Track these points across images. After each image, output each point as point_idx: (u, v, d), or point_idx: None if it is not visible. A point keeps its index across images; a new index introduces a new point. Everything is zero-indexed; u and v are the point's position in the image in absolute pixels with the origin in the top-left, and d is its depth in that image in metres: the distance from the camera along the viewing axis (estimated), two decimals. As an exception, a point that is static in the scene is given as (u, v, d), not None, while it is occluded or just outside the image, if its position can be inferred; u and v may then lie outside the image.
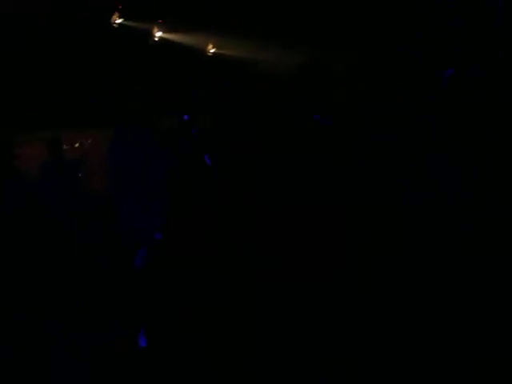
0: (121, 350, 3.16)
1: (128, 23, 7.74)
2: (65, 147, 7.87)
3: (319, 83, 5.45)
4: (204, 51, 8.53)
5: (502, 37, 5.27)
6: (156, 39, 8.15)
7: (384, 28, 6.72)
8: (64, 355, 3.12)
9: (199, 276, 3.63)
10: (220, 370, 3.01)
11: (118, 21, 7.63)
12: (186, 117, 5.35)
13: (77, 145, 8.21)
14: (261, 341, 3.15)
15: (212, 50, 8.56)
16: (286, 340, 3.07)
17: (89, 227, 4.95)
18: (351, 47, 6.94)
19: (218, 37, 8.18)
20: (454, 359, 2.60)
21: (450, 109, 4.27)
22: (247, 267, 3.62)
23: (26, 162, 5.56)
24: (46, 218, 4.82)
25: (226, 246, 3.86)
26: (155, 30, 8.11)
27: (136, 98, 8.29)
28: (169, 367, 3.09)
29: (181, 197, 4.54)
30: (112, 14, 7.53)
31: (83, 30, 6.85)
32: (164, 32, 8.17)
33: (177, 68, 8.04)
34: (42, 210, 4.86)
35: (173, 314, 3.42)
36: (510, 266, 3.33)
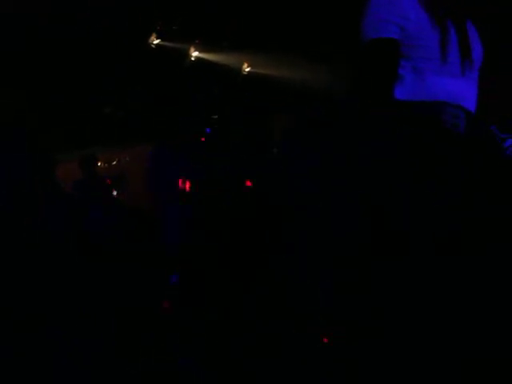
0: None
1: (165, 43, 7.81)
2: (102, 165, 7.93)
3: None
4: (239, 70, 8.50)
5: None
6: (192, 59, 8.18)
7: None
8: (66, 361, 3.12)
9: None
10: (219, 369, 3.01)
11: (156, 41, 7.72)
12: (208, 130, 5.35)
13: (114, 162, 8.25)
14: (261, 340, 3.16)
15: (247, 69, 8.51)
16: (286, 339, 3.07)
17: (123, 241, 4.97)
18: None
19: (253, 55, 8.15)
20: (452, 359, 2.61)
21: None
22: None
23: (63, 181, 5.60)
24: (78, 233, 4.86)
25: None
26: (192, 49, 8.14)
27: (136, 98, 8.32)
28: (171, 372, 3.09)
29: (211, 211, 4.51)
30: (150, 35, 7.63)
31: (83, 30, 6.85)
32: (200, 52, 8.18)
33: (177, 72, 8.06)
34: (75, 225, 4.90)
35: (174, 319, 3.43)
36: (498, 265, 3.35)
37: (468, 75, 1.77)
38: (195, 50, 8.21)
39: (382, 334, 1.88)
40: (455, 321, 1.85)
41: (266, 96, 7.59)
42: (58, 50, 7.09)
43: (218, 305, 3.53)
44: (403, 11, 1.69)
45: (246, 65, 8.52)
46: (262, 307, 3.37)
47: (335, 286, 3.26)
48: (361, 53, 1.68)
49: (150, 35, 7.74)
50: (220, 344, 3.19)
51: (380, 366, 1.97)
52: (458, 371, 1.87)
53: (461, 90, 1.76)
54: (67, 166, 6.42)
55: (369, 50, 1.66)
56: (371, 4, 1.70)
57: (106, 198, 6.03)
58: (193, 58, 8.20)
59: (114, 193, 6.99)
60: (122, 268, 4.32)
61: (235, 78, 8.37)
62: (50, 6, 6.19)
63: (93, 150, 6.89)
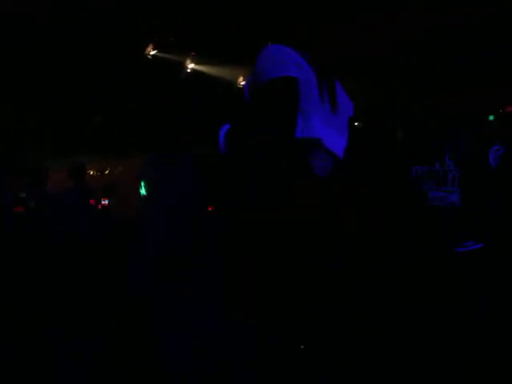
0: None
1: (162, 55, 7.86)
2: (94, 174, 7.96)
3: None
4: (234, 83, 8.50)
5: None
6: (188, 71, 8.22)
7: None
8: (66, 361, 3.11)
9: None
10: (221, 369, 3.00)
11: (152, 52, 7.76)
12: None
13: (106, 171, 8.28)
14: (260, 340, 3.14)
15: (242, 83, 8.52)
16: (286, 340, 3.06)
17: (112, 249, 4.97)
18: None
19: (249, 69, 8.16)
20: (450, 360, 2.62)
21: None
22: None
23: (54, 189, 5.61)
24: (69, 239, 4.86)
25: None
26: (188, 61, 8.17)
27: (136, 98, 8.33)
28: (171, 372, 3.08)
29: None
30: (146, 46, 7.68)
31: (83, 30, 6.85)
32: (196, 64, 8.21)
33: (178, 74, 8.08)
34: (66, 231, 4.91)
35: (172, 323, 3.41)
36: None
37: (337, 122, 1.95)
38: (191, 62, 8.26)
39: (382, 335, 1.89)
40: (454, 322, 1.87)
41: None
42: (58, 50, 7.09)
43: (218, 305, 3.52)
44: (298, 59, 1.88)
45: (241, 78, 8.55)
46: (261, 307, 3.36)
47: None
48: (265, 91, 1.77)
49: (147, 46, 7.79)
50: (220, 343, 3.18)
51: (380, 366, 1.98)
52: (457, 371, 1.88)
53: (332, 136, 1.92)
54: (59, 174, 6.44)
55: (274, 88, 1.75)
56: (268, 52, 1.89)
57: (95, 207, 6.05)
58: (189, 70, 8.25)
59: (105, 201, 7.04)
60: (121, 268, 4.32)
61: (229, 90, 8.40)
62: (50, 6, 6.19)
63: (85, 159, 6.89)
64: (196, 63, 8.24)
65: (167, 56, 7.91)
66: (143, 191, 4.68)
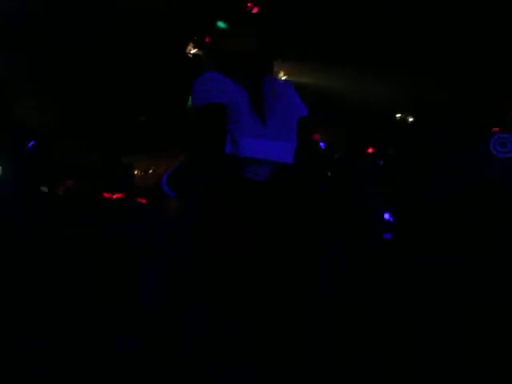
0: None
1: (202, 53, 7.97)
2: (138, 173, 8.19)
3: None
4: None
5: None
6: None
7: None
8: (66, 362, 3.09)
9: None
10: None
11: (193, 51, 7.91)
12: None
13: (150, 171, 8.51)
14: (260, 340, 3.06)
15: (283, 78, 8.50)
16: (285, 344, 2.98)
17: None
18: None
19: (291, 64, 8.16)
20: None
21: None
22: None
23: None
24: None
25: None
26: None
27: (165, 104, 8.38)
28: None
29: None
30: (187, 45, 7.82)
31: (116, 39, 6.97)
32: None
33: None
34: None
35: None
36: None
37: (274, 134, 2.11)
38: None
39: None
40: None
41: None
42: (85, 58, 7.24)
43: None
44: (226, 85, 2.08)
45: (282, 73, 8.49)
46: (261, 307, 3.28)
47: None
48: (194, 117, 2.04)
49: (187, 45, 7.86)
50: (219, 344, 3.11)
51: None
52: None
53: (266, 146, 2.10)
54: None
55: (201, 114, 2.02)
56: (200, 80, 2.08)
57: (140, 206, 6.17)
58: None
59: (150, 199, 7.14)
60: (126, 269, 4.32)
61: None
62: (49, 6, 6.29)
63: (131, 159, 7.00)
64: None
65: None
66: None
